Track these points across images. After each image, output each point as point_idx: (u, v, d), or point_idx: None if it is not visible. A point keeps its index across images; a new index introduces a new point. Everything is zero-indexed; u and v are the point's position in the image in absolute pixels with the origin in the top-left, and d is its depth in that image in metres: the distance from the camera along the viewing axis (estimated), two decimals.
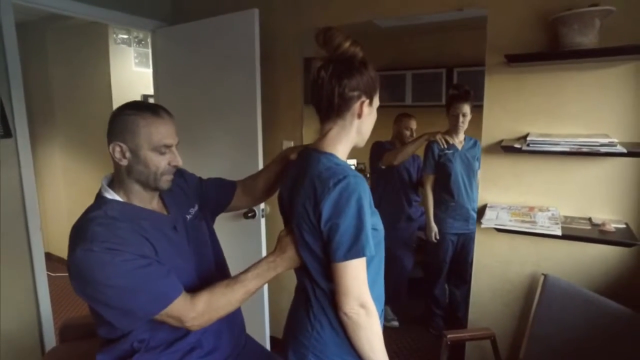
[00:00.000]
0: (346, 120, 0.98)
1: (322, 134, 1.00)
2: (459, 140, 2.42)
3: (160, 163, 1.00)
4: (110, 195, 1.01)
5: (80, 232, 0.92)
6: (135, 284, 0.91)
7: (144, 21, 2.38)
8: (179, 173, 1.24)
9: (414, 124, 2.73)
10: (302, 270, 1.02)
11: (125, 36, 3.57)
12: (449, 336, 1.57)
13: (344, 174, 0.89)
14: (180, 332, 1.05)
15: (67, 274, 0.93)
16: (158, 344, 1.03)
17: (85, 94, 3.47)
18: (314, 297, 0.98)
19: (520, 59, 1.54)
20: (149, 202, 1.06)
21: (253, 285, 1.02)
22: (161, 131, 0.99)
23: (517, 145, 1.54)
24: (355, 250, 0.87)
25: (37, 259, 1.95)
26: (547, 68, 1.58)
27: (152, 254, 0.96)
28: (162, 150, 1.00)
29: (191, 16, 2.28)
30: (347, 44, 0.94)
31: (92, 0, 2.07)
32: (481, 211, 1.74)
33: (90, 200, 1.02)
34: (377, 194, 2.81)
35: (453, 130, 2.39)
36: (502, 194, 1.74)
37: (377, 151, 2.70)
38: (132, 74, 3.58)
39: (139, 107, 1.00)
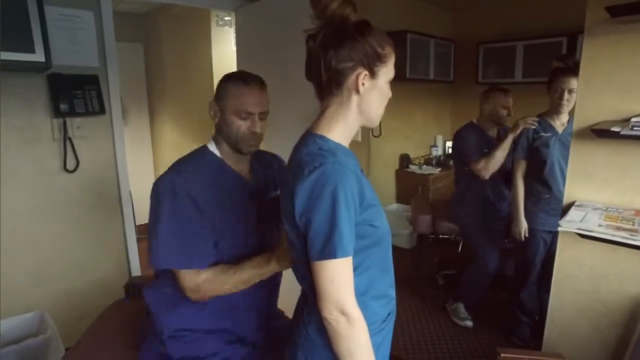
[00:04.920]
0: (343, 97, 0.85)
1: (319, 113, 0.89)
2: (560, 122, 1.98)
3: (241, 127, 1.08)
4: (212, 147, 1.14)
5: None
6: (175, 227, 1.02)
7: (227, 1, 2.47)
8: (281, 163, 1.28)
9: (511, 101, 2.31)
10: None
11: (227, 18, 3.78)
12: (502, 355, 1.32)
13: (321, 160, 0.78)
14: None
15: None
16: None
17: (190, 73, 3.81)
18: (307, 295, 0.91)
19: (630, 10, 1.13)
20: (236, 165, 1.15)
21: (248, 275, 1.07)
22: (245, 98, 1.07)
23: (615, 129, 1.17)
24: (327, 250, 0.77)
25: (128, 219, 2.23)
26: None
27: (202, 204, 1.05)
28: (243, 115, 1.08)
29: None
30: (334, 5, 0.80)
31: None
32: (566, 209, 1.40)
33: None
34: (464, 184, 2.50)
35: (554, 109, 1.96)
36: (597, 190, 1.37)
37: (461, 149, 2.36)
38: (232, 53, 3.76)
39: (236, 76, 1.11)
